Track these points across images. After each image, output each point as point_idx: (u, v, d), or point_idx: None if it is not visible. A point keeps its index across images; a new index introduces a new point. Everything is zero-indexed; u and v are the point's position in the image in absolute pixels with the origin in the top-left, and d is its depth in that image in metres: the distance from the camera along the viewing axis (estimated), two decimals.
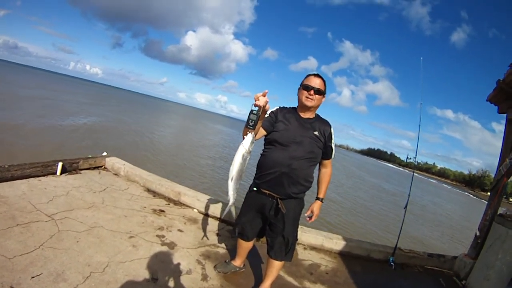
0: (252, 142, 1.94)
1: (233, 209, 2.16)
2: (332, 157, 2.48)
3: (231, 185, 1.96)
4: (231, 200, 2.03)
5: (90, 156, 4.78)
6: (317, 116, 2.45)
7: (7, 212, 2.78)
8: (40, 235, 2.55)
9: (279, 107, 2.46)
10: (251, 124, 1.90)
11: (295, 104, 2.48)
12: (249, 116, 1.91)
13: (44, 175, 3.86)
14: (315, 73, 2.36)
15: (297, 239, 2.54)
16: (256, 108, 1.90)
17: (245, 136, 1.96)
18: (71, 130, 14.48)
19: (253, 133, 1.93)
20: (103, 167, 4.84)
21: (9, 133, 10.84)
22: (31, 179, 3.64)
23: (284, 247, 2.44)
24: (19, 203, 3.00)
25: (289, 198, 2.35)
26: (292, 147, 2.27)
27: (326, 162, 2.50)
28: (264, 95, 1.89)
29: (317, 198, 2.52)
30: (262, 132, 2.27)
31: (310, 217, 2.47)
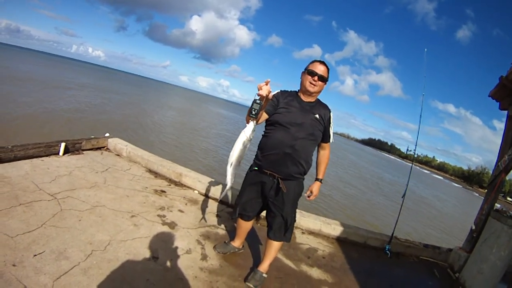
0: (253, 130, 2.01)
1: (229, 193, 2.22)
2: (331, 140, 2.55)
3: (229, 170, 2.04)
4: (229, 184, 2.10)
5: (92, 137, 4.79)
6: (318, 100, 2.49)
7: (10, 191, 2.82)
8: (42, 214, 2.59)
9: (280, 90, 2.48)
10: (253, 113, 1.96)
11: (297, 89, 2.52)
12: (252, 105, 1.98)
13: (47, 155, 3.88)
14: (321, 60, 2.39)
15: (295, 221, 2.59)
16: (259, 98, 1.95)
17: (247, 124, 2.01)
18: (74, 112, 14.49)
19: (255, 121, 1.98)
20: (105, 147, 4.87)
21: (13, 115, 10.86)
22: (34, 159, 3.67)
23: (283, 227, 2.49)
24: (22, 183, 3.04)
25: (289, 179, 2.39)
26: (294, 129, 2.31)
27: (324, 145, 2.57)
28: (266, 84, 1.93)
29: (317, 179, 2.59)
30: (264, 116, 2.33)
31: (309, 196, 2.53)
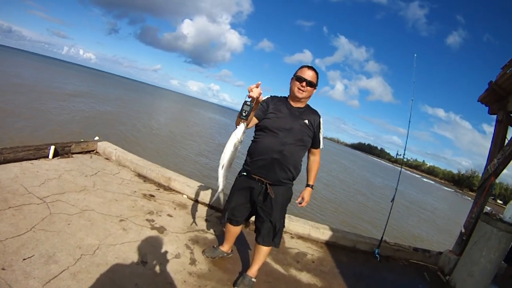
0: (244, 132, 2.00)
1: (221, 196, 2.22)
2: (321, 146, 2.57)
3: (221, 172, 2.03)
4: (221, 187, 2.09)
5: (82, 140, 4.77)
6: (307, 106, 2.51)
7: None
8: (32, 218, 2.57)
9: (270, 96, 2.50)
10: (244, 114, 1.96)
11: (287, 94, 2.53)
12: (242, 107, 1.97)
13: (36, 159, 3.85)
14: (309, 65, 2.41)
15: (284, 226, 2.60)
16: (250, 99, 1.95)
17: (237, 126, 2.02)
18: (64, 115, 14.36)
19: (245, 123, 1.99)
20: (94, 151, 4.85)
21: (2, 118, 10.74)
22: (23, 162, 3.64)
23: (272, 232, 2.49)
24: (12, 186, 3.01)
25: (277, 184, 2.40)
26: (282, 134, 2.32)
27: (315, 151, 2.59)
28: (257, 87, 1.94)
29: (307, 185, 2.60)
30: (254, 120, 2.33)
31: (301, 203, 2.54)
